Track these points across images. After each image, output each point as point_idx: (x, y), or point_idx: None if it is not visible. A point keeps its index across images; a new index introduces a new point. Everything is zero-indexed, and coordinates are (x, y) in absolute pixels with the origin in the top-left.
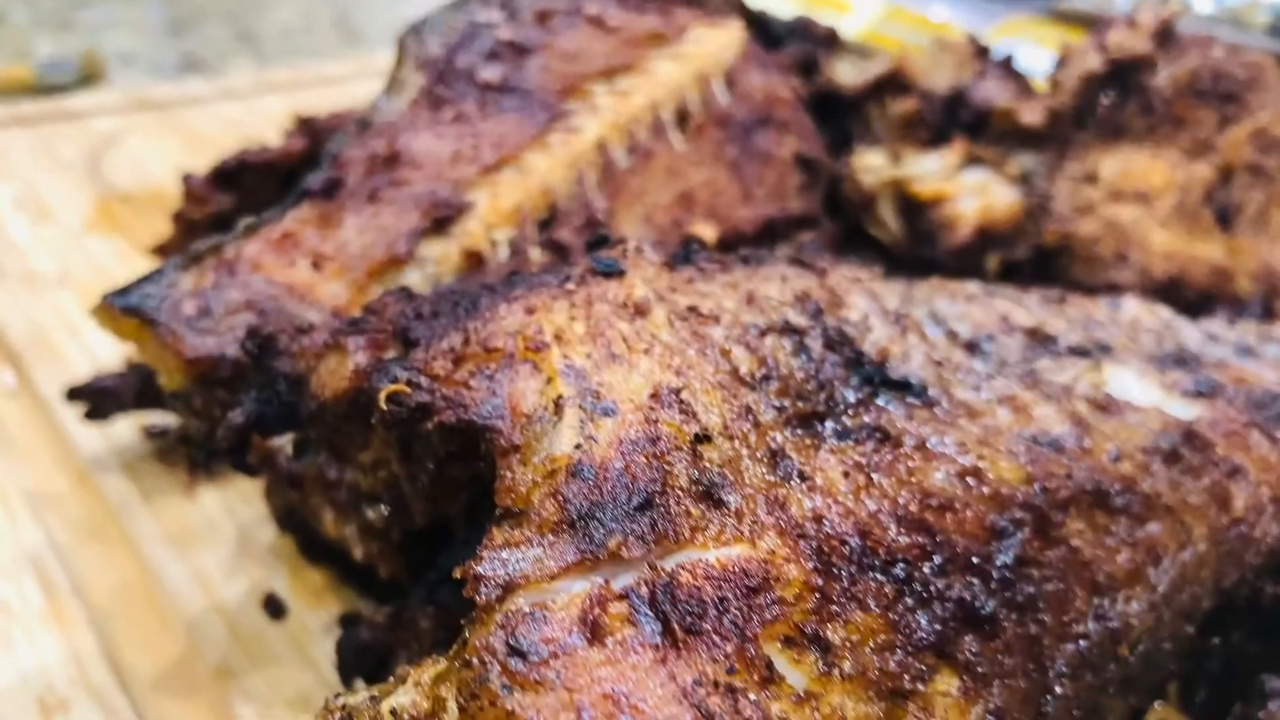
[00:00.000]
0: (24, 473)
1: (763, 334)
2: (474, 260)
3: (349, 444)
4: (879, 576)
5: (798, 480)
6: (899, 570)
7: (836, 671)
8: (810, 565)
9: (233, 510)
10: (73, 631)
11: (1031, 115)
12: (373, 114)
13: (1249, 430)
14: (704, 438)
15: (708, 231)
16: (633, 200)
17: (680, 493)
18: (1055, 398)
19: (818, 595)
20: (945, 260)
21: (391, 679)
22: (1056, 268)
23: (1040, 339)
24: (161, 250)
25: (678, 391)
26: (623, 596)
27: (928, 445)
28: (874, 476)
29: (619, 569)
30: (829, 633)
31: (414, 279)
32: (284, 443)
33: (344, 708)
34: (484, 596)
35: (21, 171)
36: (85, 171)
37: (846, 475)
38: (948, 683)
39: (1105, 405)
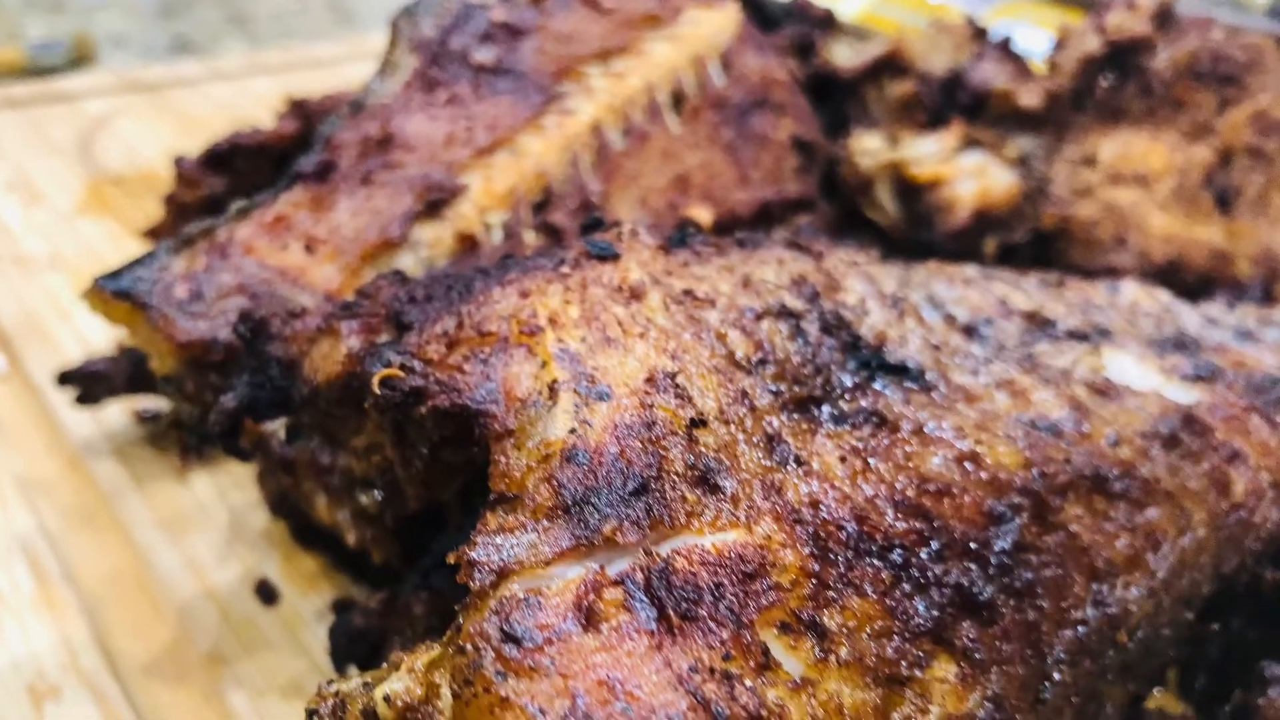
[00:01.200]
0: (14, 458)
1: (759, 318)
2: (468, 243)
3: (342, 428)
4: (876, 562)
5: (794, 465)
6: (896, 556)
7: (833, 658)
8: (807, 551)
9: (225, 495)
10: (64, 618)
11: (1030, 97)
12: (366, 96)
13: (1249, 415)
14: (700, 422)
15: (703, 214)
16: (628, 183)
17: (676, 478)
18: (1054, 382)
19: (814, 581)
20: (943, 243)
21: (385, 665)
22: (1055, 251)
23: (1038, 323)
24: (153, 233)
25: (673, 376)
26: (618, 582)
27: (925, 430)
28: (871, 461)
29: (614, 554)
30: (825, 619)
31: (407, 262)
32: (276, 427)
33: (337, 694)
34: (478, 582)
35: (12, 154)
36: (76, 154)
37: (843, 460)
38: (945, 669)
39: (1104, 389)
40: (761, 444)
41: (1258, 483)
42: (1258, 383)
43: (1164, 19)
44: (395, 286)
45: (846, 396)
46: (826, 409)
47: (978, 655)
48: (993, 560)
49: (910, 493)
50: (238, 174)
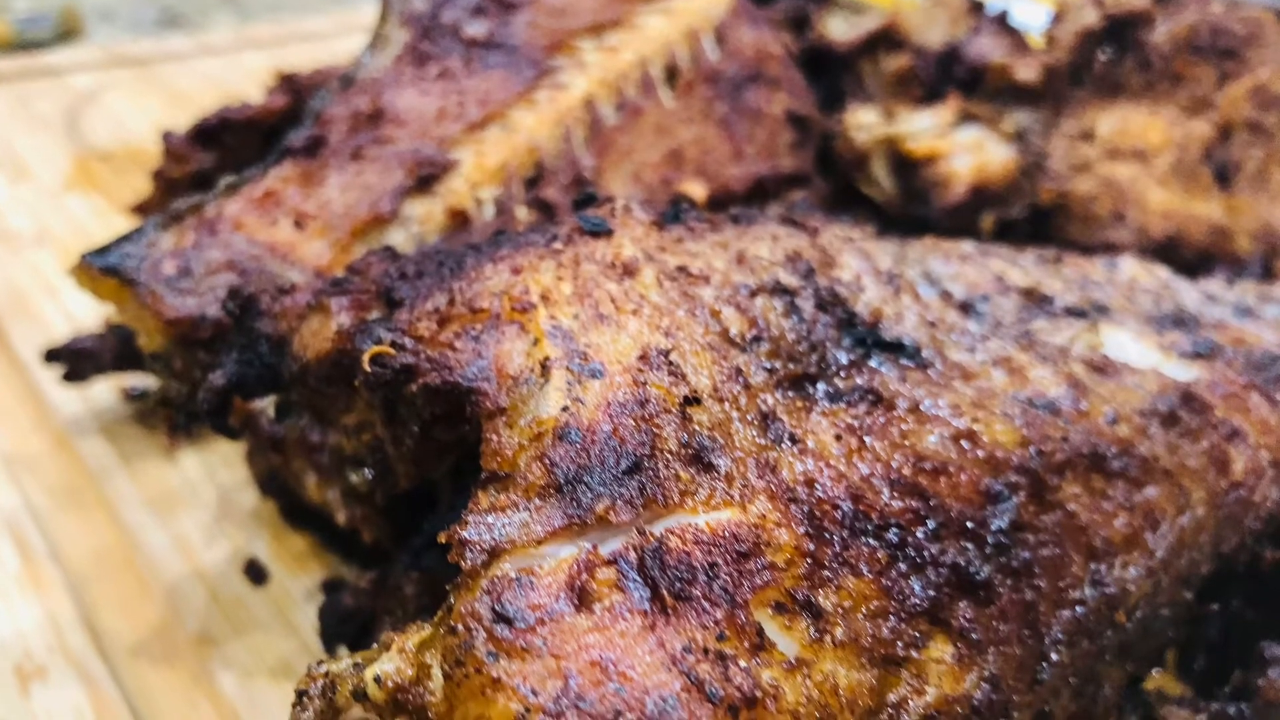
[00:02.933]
0: (0, 436)
1: (753, 294)
2: (459, 219)
3: (332, 406)
4: (871, 541)
5: (789, 443)
6: (892, 535)
7: (828, 638)
8: (801, 530)
9: (213, 474)
10: (50, 597)
11: (1027, 72)
12: (356, 70)
13: (1248, 392)
14: (693, 400)
15: (697, 190)
16: (621, 158)
17: (669, 456)
18: (1051, 359)
19: (809, 560)
20: (939, 219)
21: (375, 646)
22: (1052, 227)
23: (1036, 299)
24: (141, 209)
25: (667, 353)
26: (611, 562)
27: (921, 408)
28: (866, 439)
29: (607, 534)
30: (821, 599)
31: (398, 238)
32: (266, 405)
33: (327, 675)
34: (469, 562)
35: None
36: (64, 129)
37: (838, 438)
38: (942, 650)
39: (1102, 367)
40: (756, 422)
41: (1257, 461)
42: (1257, 360)
43: None
44: (386, 263)
45: (842, 374)
46: (821, 386)
47: (975, 636)
48: (990, 540)
49: (906, 471)
50: (227, 149)
